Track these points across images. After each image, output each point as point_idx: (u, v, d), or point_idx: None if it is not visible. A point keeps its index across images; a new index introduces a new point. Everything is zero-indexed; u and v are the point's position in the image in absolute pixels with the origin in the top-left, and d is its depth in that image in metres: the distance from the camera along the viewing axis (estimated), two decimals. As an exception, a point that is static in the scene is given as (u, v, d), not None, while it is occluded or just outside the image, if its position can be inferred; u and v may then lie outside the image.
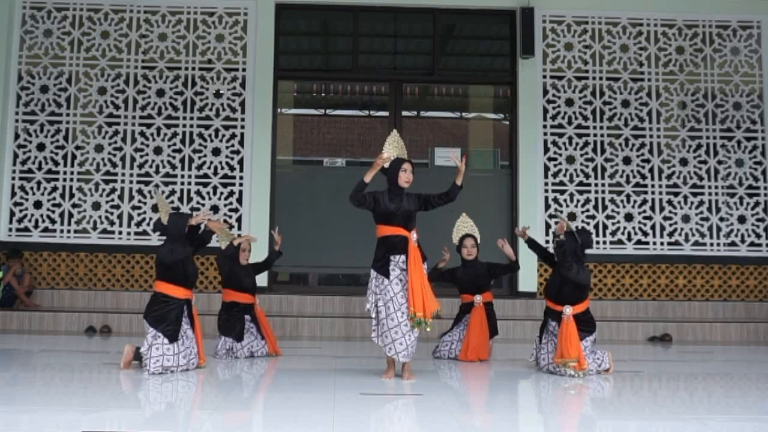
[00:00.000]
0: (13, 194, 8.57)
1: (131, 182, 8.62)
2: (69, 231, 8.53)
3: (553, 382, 5.03)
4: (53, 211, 8.56)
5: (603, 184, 8.81)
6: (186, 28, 8.86)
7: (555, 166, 8.81)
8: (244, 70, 8.80)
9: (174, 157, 8.67)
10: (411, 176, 4.98)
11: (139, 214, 8.56)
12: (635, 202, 8.81)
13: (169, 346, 5.04)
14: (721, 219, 8.85)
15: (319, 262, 8.90)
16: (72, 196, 8.61)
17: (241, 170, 8.65)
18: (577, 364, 5.06)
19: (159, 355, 4.99)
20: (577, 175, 8.80)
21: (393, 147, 5.02)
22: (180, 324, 5.16)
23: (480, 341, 5.94)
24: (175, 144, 8.69)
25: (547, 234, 8.65)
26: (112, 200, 8.58)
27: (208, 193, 8.64)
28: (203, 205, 8.60)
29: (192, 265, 5.32)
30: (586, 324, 5.24)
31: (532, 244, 5.87)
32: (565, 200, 8.74)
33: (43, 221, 8.53)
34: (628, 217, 8.78)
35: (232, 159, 8.69)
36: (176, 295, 5.19)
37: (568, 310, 5.16)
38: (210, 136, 8.72)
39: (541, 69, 8.90)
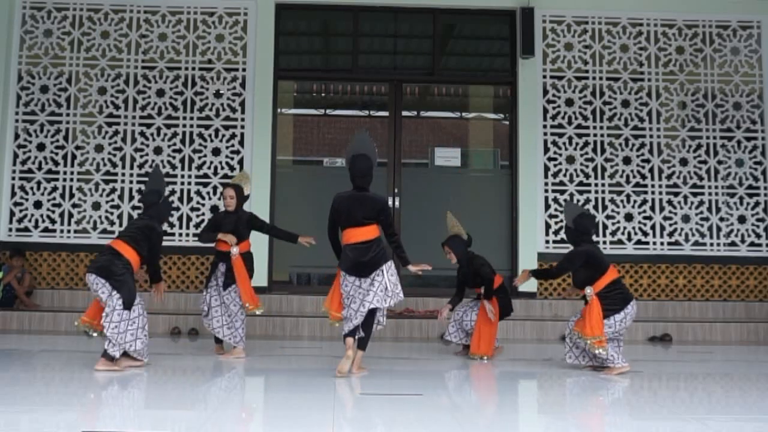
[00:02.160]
0: (13, 194, 8.56)
1: (131, 182, 8.61)
2: (69, 231, 8.52)
3: (554, 382, 5.03)
4: (53, 211, 8.56)
5: (603, 184, 8.80)
6: (186, 28, 8.85)
7: (555, 166, 8.81)
8: (244, 70, 8.80)
9: (174, 157, 8.67)
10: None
11: (139, 214, 8.54)
12: (635, 202, 8.80)
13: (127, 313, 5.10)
14: (721, 219, 8.84)
15: (319, 262, 8.88)
16: (72, 196, 8.60)
17: (241, 170, 8.64)
18: (597, 342, 5.29)
19: (118, 321, 5.03)
20: (577, 175, 8.80)
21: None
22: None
23: (490, 333, 5.98)
24: (175, 144, 8.69)
25: (547, 234, 8.65)
26: (112, 200, 8.57)
27: (208, 193, 8.63)
28: (203, 205, 8.61)
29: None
30: (611, 301, 5.46)
31: (539, 275, 6.12)
32: (565, 200, 8.74)
33: (43, 221, 8.53)
34: (628, 217, 8.78)
35: (232, 159, 8.69)
36: (133, 263, 5.25)
37: (589, 290, 5.46)
38: (210, 136, 8.71)
39: (541, 69, 8.89)
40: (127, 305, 5.07)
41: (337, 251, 5.37)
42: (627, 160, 8.88)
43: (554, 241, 8.58)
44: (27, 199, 8.55)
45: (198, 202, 8.61)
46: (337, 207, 5.23)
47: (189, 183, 8.63)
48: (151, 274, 5.54)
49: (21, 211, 8.52)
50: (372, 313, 5.09)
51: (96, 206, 8.56)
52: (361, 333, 5.11)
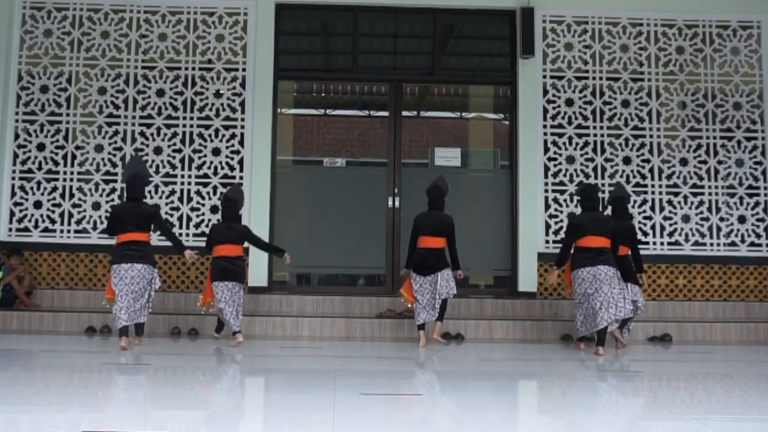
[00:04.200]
0: (13, 194, 8.56)
1: (131, 182, 8.59)
2: (69, 231, 8.52)
3: (554, 382, 5.04)
4: (53, 211, 8.56)
5: (603, 184, 8.80)
6: (186, 28, 8.85)
7: (555, 166, 8.81)
8: (244, 70, 8.80)
9: (174, 157, 8.67)
10: None
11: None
12: (635, 202, 8.80)
13: None
14: (721, 219, 8.84)
15: (319, 262, 8.89)
16: (72, 196, 8.60)
17: (241, 170, 8.65)
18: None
19: None
20: (577, 175, 8.80)
21: None
22: None
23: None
24: (175, 144, 8.69)
25: (547, 234, 8.65)
26: (112, 200, 8.57)
27: (208, 193, 8.63)
28: (203, 205, 8.61)
29: None
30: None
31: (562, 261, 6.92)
32: (565, 200, 8.74)
33: (43, 221, 8.53)
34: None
35: (232, 159, 8.69)
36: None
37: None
38: (210, 136, 8.71)
39: (541, 69, 8.89)
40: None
41: (409, 257, 7.09)
42: (627, 160, 8.88)
43: (554, 241, 8.58)
44: (27, 199, 8.55)
45: (198, 202, 8.61)
46: (418, 221, 7.07)
47: (189, 183, 8.63)
48: (176, 245, 6.65)
49: (21, 211, 8.52)
50: (444, 299, 6.93)
51: (96, 206, 8.56)
52: (438, 314, 6.91)
